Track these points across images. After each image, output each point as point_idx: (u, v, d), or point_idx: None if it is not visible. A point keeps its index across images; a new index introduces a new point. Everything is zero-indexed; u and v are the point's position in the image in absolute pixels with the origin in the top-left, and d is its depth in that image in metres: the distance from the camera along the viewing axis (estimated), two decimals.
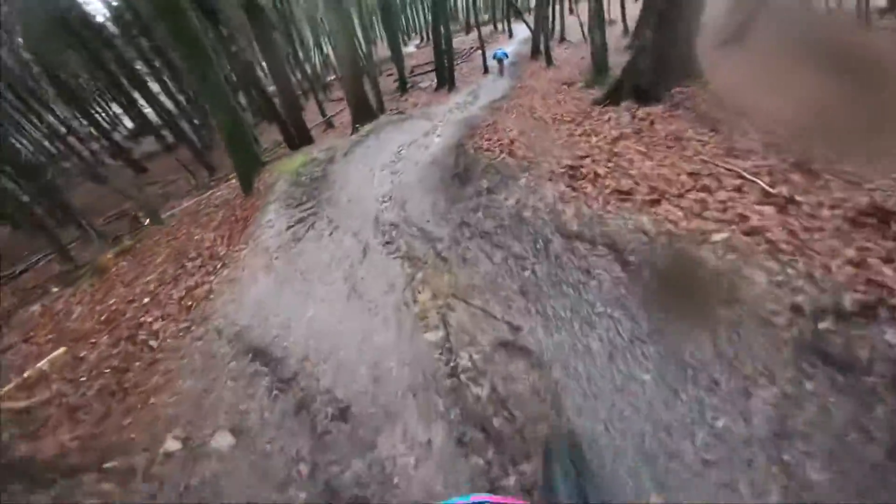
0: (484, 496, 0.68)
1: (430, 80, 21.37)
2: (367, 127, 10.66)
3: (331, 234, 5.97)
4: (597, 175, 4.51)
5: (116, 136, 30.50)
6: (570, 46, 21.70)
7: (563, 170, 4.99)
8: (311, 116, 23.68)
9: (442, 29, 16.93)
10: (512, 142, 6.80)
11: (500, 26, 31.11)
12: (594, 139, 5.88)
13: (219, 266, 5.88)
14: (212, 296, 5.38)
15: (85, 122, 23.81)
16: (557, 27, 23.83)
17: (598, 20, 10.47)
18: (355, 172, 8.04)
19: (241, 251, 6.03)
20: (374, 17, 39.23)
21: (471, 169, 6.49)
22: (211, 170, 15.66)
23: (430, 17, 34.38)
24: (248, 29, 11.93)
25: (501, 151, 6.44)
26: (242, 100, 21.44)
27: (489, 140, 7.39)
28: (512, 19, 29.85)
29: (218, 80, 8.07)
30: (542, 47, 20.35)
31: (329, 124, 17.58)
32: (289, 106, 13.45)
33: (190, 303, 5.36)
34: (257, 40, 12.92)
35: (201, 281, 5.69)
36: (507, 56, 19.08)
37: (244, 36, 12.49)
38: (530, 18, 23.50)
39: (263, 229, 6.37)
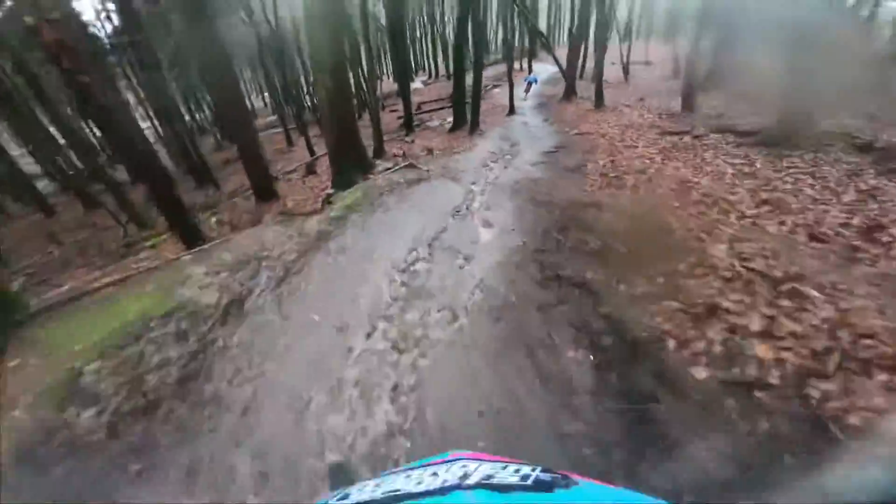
0: (463, 452, 0.65)
1: (442, 119, 16.74)
2: (350, 196, 5.59)
3: None
4: None
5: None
6: (606, 86, 17.29)
7: None
8: (300, 154, 18.82)
9: (470, 51, 12.38)
10: None
11: (517, 64, 27.00)
12: None
13: None
14: None
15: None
16: (588, 65, 19.56)
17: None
18: (287, 365, 2.90)
19: None
20: (381, 50, 35.27)
21: None
22: (140, 223, 10.33)
23: (449, 43, 30.45)
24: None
25: None
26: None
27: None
28: (534, 58, 25.76)
29: None
30: (579, 86, 16.08)
31: (310, 169, 12.70)
32: (249, 150, 8.51)
33: None
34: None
35: None
36: (536, 81, 18.89)
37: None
38: (560, 55, 19.31)
39: None
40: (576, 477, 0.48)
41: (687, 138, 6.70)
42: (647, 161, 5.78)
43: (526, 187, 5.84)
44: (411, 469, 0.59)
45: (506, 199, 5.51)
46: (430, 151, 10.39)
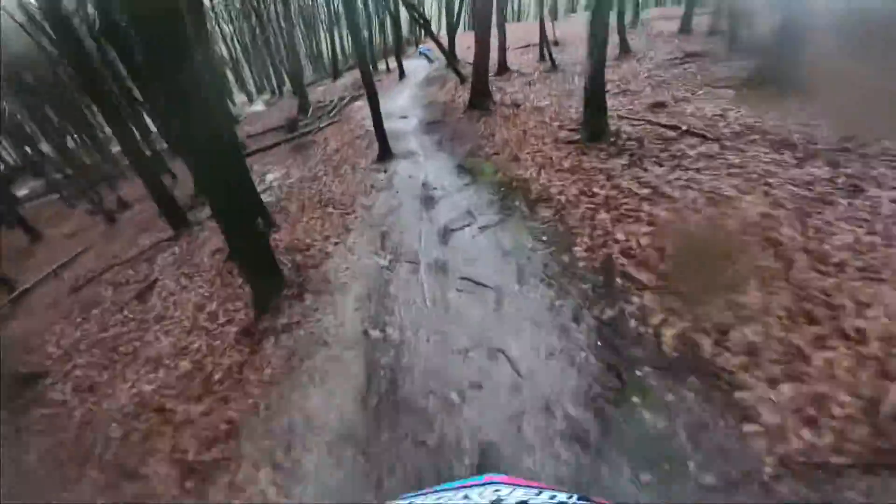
0: (497, 476, 0.58)
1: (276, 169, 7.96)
2: None
3: None
4: None
5: None
6: (523, 79, 9.87)
7: None
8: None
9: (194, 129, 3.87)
10: None
11: (382, 65, 18.16)
12: None
13: None
14: None
15: None
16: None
17: None
18: None
19: None
20: None
21: None
22: None
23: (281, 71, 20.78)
24: None
25: None
26: None
27: None
28: (405, 54, 17.21)
29: None
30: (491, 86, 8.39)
31: None
32: None
33: None
34: None
35: None
36: (431, 51, 14.77)
37: None
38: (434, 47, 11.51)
39: None
40: None
41: None
42: None
43: None
44: (442, 491, 0.52)
45: None
46: None
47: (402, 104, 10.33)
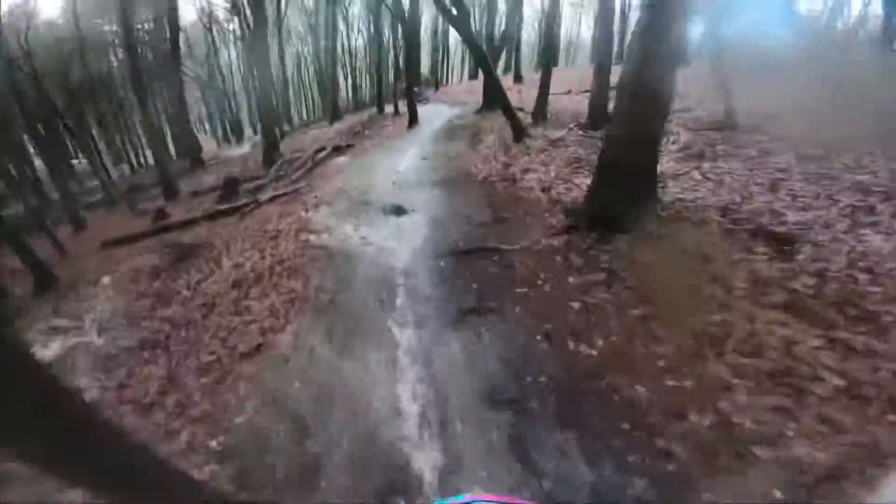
0: (481, 495, 0.52)
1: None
2: None
3: None
4: None
5: None
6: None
7: None
8: None
9: None
10: None
11: (390, 107, 12.84)
12: None
13: None
14: None
15: None
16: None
17: None
18: None
19: None
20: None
21: None
22: None
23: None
24: None
25: None
26: None
27: None
28: (418, 99, 11.71)
29: None
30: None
31: None
32: None
33: None
34: None
35: None
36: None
37: None
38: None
39: None
40: None
41: None
42: None
43: None
44: None
45: None
46: None
47: (401, 170, 5.36)
